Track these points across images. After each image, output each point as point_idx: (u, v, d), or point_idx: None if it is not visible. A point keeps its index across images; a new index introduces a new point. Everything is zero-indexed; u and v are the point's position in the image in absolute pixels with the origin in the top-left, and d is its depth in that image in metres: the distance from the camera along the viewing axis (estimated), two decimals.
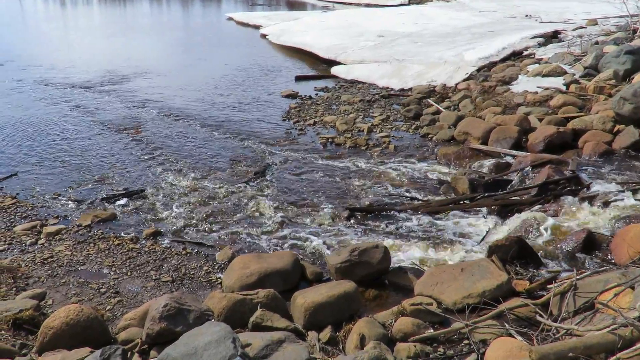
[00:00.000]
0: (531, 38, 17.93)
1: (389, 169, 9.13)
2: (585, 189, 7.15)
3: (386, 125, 11.54)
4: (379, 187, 8.41)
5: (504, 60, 15.81)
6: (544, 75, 13.01)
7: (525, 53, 16.43)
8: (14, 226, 7.21)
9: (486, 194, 7.47)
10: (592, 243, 5.77)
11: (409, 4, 37.55)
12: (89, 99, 14.25)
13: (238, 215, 7.55)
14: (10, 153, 10.10)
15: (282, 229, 7.11)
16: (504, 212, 7.06)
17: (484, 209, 7.24)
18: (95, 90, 15.30)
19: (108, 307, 5.38)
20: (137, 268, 6.19)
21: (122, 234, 7.05)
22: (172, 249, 6.65)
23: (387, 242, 6.47)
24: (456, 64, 15.58)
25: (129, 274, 6.07)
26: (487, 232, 6.65)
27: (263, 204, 7.80)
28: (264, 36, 25.88)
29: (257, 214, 7.58)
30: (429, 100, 13.09)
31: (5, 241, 6.79)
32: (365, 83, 15.76)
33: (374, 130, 11.26)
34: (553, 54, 14.97)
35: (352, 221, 7.25)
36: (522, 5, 28.70)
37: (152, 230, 7.05)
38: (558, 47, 16.47)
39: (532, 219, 6.51)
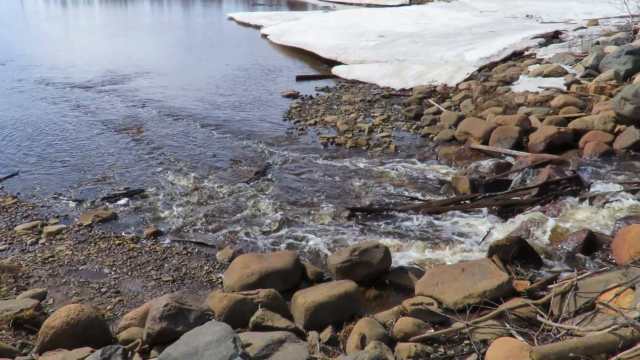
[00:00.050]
0: (532, 38, 17.92)
1: (390, 169, 9.13)
2: (586, 189, 7.14)
3: (387, 125, 11.54)
4: (379, 187, 8.41)
5: (505, 60, 15.81)
6: (544, 76, 13.01)
7: (526, 53, 16.43)
8: (15, 226, 7.21)
9: (487, 194, 7.47)
10: (592, 243, 5.76)
11: (409, 4, 37.56)
12: (90, 99, 14.26)
13: (239, 215, 7.55)
14: (11, 152, 10.11)
15: (282, 229, 7.11)
16: (505, 212, 7.05)
17: (485, 209, 7.24)
18: (96, 90, 15.31)
19: (109, 307, 5.38)
20: (138, 268, 6.20)
21: (123, 234, 7.05)
22: (173, 249, 6.65)
23: (388, 242, 6.48)
24: (457, 64, 15.58)
25: (129, 273, 6.08)
26: (488, 232, 6.65)
27: (264, 204, 7.80)
28: (264, 36, 25.88)
29: (257, 213, 7.58)
30: (429, 100, 13.09)
31: (6, 241, 6.79)
32: (366, 83, 15.76)
33: (375, 130, 11.26)
34: (554, 54, 14.96)
35: (352, 221, 7.25)
36: (523, 5, 28.70)
37: (153, 230, 7.06)
38: (559, 47, 16.47)
39: (533, 219, 6.50)
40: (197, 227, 7.22)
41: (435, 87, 14.12)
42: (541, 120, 10.04)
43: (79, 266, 6.21)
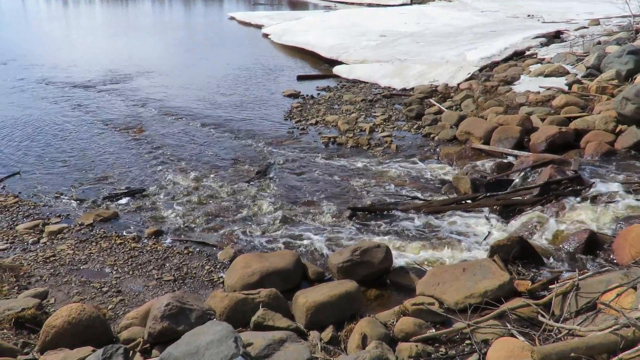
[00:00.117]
0: (533, 38, 17.91)
1: (391, 168, 9.13)
2: (587, 189, 7.14)
3: (388, 125, 11.54)
4: (380, 186, 8.41)
5: (506, 60, 15.80)
6: (546, 75, 13.00)
7: (527, 53, 16.42)
8: (16, 225, 7.22)
9: (488, 194, 7.46)
10: (594, 243, 5.76)
11: (411, 3, 37.54)
12: (91, 98, 14.27)
13: (240, 214, 7.55)
14: (12, 152, 10.12)
15: (283, 228, 7.11)
16: (506, 212, 7.05)
17: (486, 209, 7.24)
18: (97, 89, 15.32)
19: (110, 306, 5.39)
20: (139, 267, 6.20)
21: (124, 233, 7.06)
22: (174, 248, 6.66)
23: (389, 241, 6.48)
24: (458, 63, 15.57)
25: (130, 273, 6.08)
26: (489, 232, 6.64)
27: (265, 203, 7.80)
28: (266, 36, 25.89)
29: (259, 213, 7.58)
30: (431, 100, 13.08)
31: (7, 240, 6.80)
32: (367, 83, 15.75)
33: (376, 130, 11.25)
34: (555, 54, 14.95)
35: (354, 221, 7.25)
36: (525, 5, 28.68)
37: (154, 229, 7.06)
38: (560, 47, 16.46)
39: (534, 219, 6.50)
40: (198, 227, 7.23)
41: (437, 86, 14.11)
42: (542, 120, 10.03)
43: (80, 265, 6.21)
